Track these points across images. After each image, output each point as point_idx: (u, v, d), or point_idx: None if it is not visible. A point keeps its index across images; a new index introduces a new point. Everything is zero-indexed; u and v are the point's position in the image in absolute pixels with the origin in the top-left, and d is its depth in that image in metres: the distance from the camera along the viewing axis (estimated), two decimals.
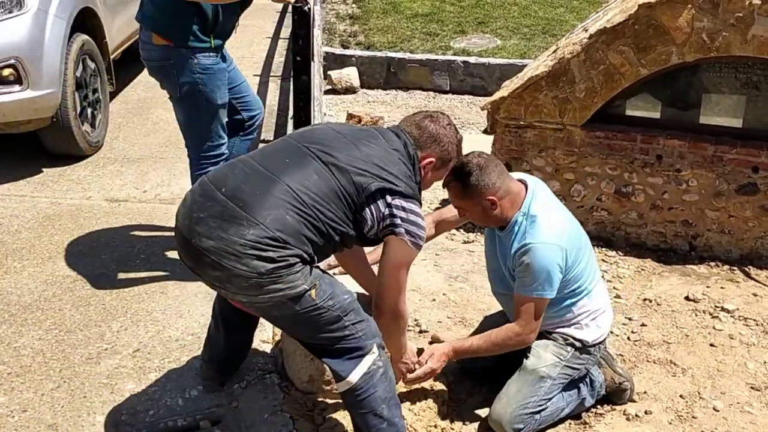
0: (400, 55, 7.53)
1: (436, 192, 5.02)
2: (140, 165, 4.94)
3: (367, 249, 2.88)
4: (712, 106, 4.14)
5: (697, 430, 2.95)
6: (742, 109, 4.09)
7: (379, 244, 2.53)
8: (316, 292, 2.31)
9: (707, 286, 3.95)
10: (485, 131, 6.12)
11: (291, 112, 4.77)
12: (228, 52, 3.57)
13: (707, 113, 4.15)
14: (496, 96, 4.41)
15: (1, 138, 4.84)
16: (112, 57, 5.53)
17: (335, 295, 2.38)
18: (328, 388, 2.87)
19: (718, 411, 3.04)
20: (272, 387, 2.88)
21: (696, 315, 3.71)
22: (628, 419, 3.00)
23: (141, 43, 3.39)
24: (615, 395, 3.07)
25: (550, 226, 2.72)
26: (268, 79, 6.88)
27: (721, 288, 3.94)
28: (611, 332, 3.31)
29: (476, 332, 3.22)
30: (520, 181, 2.85)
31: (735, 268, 4.15)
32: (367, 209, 2.39)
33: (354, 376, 2.40)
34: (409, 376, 2.78)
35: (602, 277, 3.32)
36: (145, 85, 6.52)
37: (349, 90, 7.25)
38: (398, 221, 2.40)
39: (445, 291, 3.88)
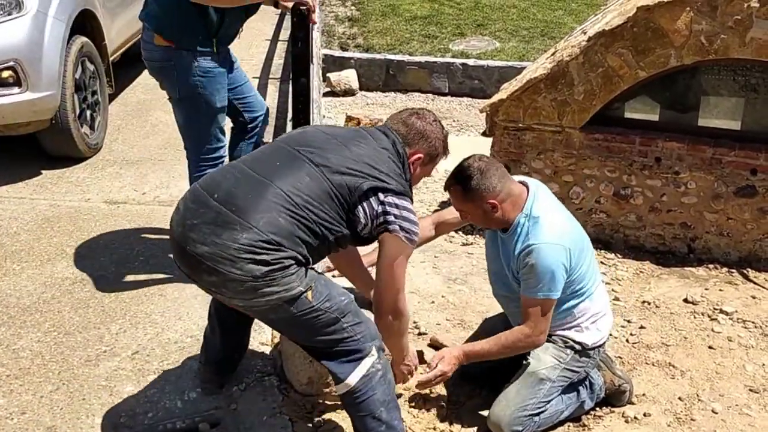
0: (398, 57, 7.53)
1: (435, 195, 5.02)
2: (139, 167, 4.94)
3: (362, 251, 2.89)
4: (710, 108, 4.15)
5: None
6: (741, 111, 4.10)
7: (373, 243, 2.54)
8: (312, 293, 2.32)
9: (706, 289, 3.96)
10: (484, 133, 6.14)
11: (290, 115, 4.77)
12: (233, 53, 3.57)
13: (706, 116, 4.16)
14: (495, 98, 4.41)
15: (0, 140, 4.84)
16: (111, 59, 5.53)
17: (332, 296, 2.38)
18: (327, 390, 2.87)
19: (716, 413, 3.04)
20: (271, 389, 2.88)
21: (694, 317, 3.71)
22: (626, 421, 3.00)
23: (143, 42, 3.38)
24: (614, 397, 3.07)
25: (552, 226, 2.73)
26: (267, 82, 6.88)
27: (720, 290, 3.94)
28: (610, 334, 3.31)
29: (476, 334, 3.23)
30: (522, 183, 2.86)
31: (733, 270, 4.15)
32: (359, 208, 2.40)
33: (353, 379, 2.40)
34: (420, 379, 2.78)
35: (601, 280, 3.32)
36: (144, 87, 6.52)
37: (348, 92, 7.26)
38: (391, 218, 2.42)
39: (443, 293, 3.88)
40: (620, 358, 3.39)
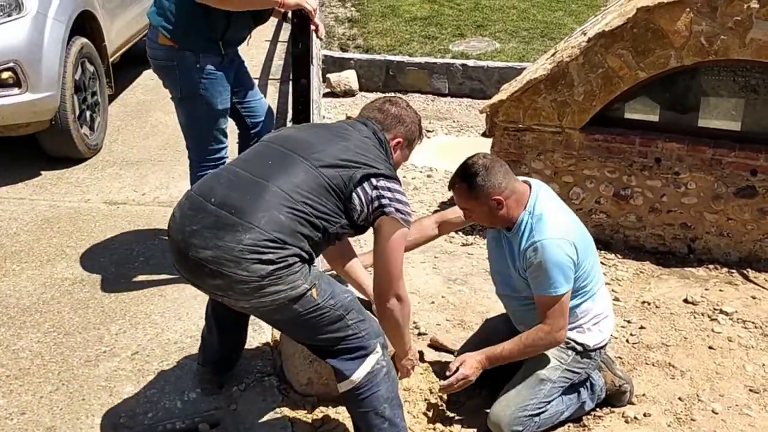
0: (398, 58, 7.53)
1: (435, 195, 5.02)
2: (139, 168, 4.94)
3: (359, 251, 2.89)
4: (710, 109, 4.15)
5: None
6: (741, 112, 4.10)
7: (367, 231, 2.57)
8: (317, 291, 2.33)
9: (706, 289, 3.96)
10: (484, 134, 6.14)
11: (290, 116, 4.77)
12: (241, 56, 3.57)
13: (706, 116, 4.16)
14: (495, 99, 4.41)
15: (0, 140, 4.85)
16: (111, 60, 5.53)
17: (336, 294, 2.40)
18: (327, 390, 2.87)
19: (716, 413, 3.04)
20: (271, 390, 2.88)
21: (695, 318, 3.71)
22: (626, 422, 3.00)
23: (147, 40, 3.39)
24: (614, 398, 3.07)
25: (556, 223, 2.74)
26: (267, 82, 6.88)
27: (720, 291, 3.94)
28: (611, 335, 3.31)
29: (476, 335, 3.23)
30: (524, 182, 2.86)
31: (734, 270, 4.15)
32: (355, 196, 2.43)
33: (357, 375, 2.41)
34: (443, 383, 2.77)
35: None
36: (143, 88, 6.52)
37: (348, 93, 7.26)
38: (386, 201, 2.46)
39: (444, 293, 3.88)
40: (620, 358, 3.39)
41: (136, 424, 2.71)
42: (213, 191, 2.38)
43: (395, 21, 8.72)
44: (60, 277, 3.62)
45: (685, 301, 3.84)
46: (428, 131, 6.41)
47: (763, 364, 3.35)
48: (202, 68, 3.28)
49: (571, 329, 2.87)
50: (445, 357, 3.33)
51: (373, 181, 2.46)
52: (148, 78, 6.71)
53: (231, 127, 3.60)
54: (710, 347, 3.47)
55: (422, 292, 3.86)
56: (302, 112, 3.45)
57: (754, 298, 3.87)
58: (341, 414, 2.80)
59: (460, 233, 4.46)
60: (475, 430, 2.92)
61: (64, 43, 4.61)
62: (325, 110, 6.44)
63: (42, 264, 3.73)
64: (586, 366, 2.92)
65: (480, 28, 8.54)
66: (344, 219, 2.44)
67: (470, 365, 2.78)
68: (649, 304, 3.83)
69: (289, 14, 3.41)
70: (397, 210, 2.47)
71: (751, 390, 3.19)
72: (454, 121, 6.71)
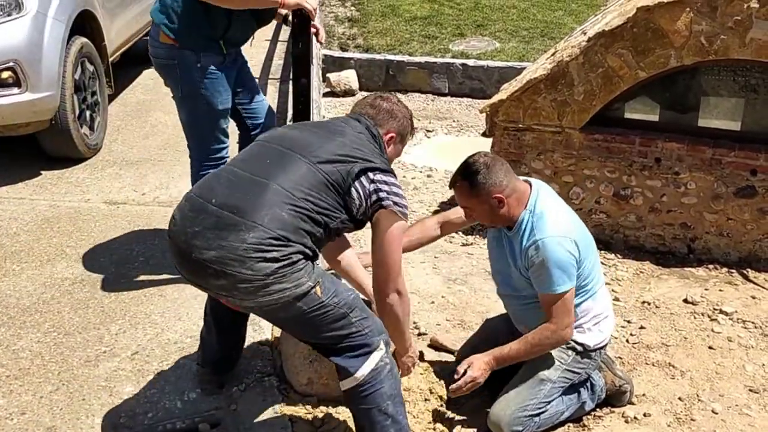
0: (398, 57, 7.53)
1: (435, 195, 5.02)
2: (139, 168, 4.94)
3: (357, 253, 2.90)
4: (710, 109, 4.15)
5: None
6: (741, 112, 4.10)
7: (365, 226, 2.58)
8: (320, 289, 2.34)
9: (706, 289, 3.96)
10: (484, 134, 6.14)
11: (290, 115, 4.77)
12: (245, 57, 3.57)
13: (706, 116, 4.16)
14: (495, 99, 4.41)
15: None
16: (110, 60, 5.53)
17: (339, 292, 2.41)
18: (327, 390, 2.87)
19: (716, 413, 3.04)
20: (271, 390, 2.89)
21: (694, 317, 3.71)
22: (626, 422, 3.00)
23: (149, 38, 3.40)
24: (614, 398, 3.07)
25: (557, 221, 2.74)
26: (267, 82, 6.88)
27: (720, 291, 3.94)
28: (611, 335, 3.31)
29: (476, 335, 3.23)
30: (525, 181, 2.87)
31: (733, 270, 4.15)
32: (353, 190, 2.45)
33: (361, 372, 2.42)
34: (452, 386, 2.77)
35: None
36: (143, 87, 6.52)
37: (348, 93, 7.25)
38: (384, 194, 2.49)
39: (443, 293, 3.88)
40: (620, 358, 3.39)
41: (136, 424, 2.71)
42: (213, 192, 2.38)
43: (395, 20, 8.71)
44: (60, 277, 3.62)
45: (685, 301, 3.84)
46: (428, 131, 6.42)
47: (763, 364, 3.35)
48: (203, 67, 3.28)
49: None
50: (445, 357, 3.33)
51: (370, 174, 2.48)
52: (148, 78, 6.71)
53: (232, 127, 3.60)
54: (710, 347, 3.47)
55: (422, 292, 3.86)
56: (302, 112, 3.45)
57: (753, 298, 3.87)
58: (341, 414, 2.80)
59: (460, 233, 4.46)
60: (475, 430, 2.92)
61: (64, 43, 4.61)
62: (325, 110, 6.44)
63: (42, 264, 3.73)
64: (587, 366, 2.92)
65: (480, 28, 8.53)
66: (344, 214, 2.46)
67: (478, 367, 2.76)
68: (649, 304, 3.83)
69: (290, 17, 3.41)
70: (395, 203, 2.50)
71: (751, 390, 3.19)
72: (454, 121, 6.71)
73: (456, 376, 2.76)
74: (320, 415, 2.81)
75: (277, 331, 3.19)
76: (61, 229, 4.10)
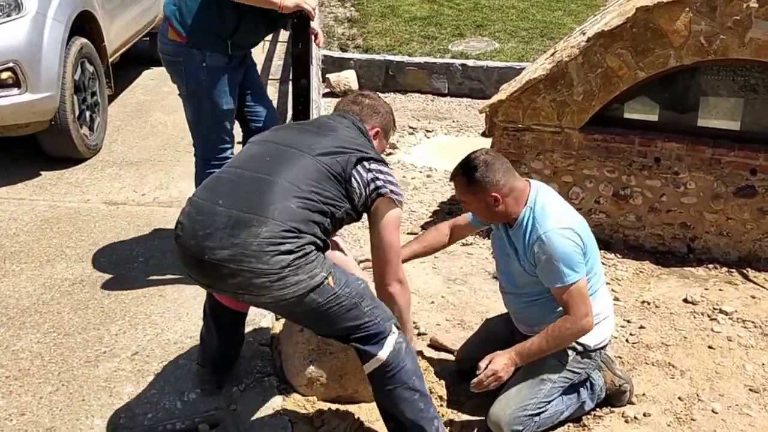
0: (398, 58, 7.53)
1: (434, 195, 5.02)
2: (138, 168, 4.94)
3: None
4: (710, 108, 4.15)
5: None
6: (740, 111, 4.10)
7: (362, 216, 2.62)
8: (333, 279, 2.37)
9: (705, 289, 3.96)
10: (483, 134, 6.14)
11: (290, 115, 4.77)
12: (254, 59, 3.57)
13: (705, 116, 4.16)
14: (495, 99, 4.41)
15: None
16: (110, 60, 5.53)
17: (350, 282, 2.44)
18: (327, 390, 2.87)
19: (716, 413, 3.04)
20: (271, 390, 2.89)
21: (694, 317, 3.71)
22: (626, 421, 3.00)
23: (159, 34, 3.41)
24: (614, 397, 3.07)
25: (558, 214, 2.75)
26: (267, 82, 6.88)
27: (720, 290, 3.94)
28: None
29: (476, 335, 3.23)
30: (525, 180, 2.87)
31: (733, 270, 4.15)
32: (353, 179, 2.50)
33: (383, 353, 2.44)
34: (473, 380, 2.77)
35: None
36: (143, 88, 6.52)
37: (348, 93, 7.25)
38: (381, 183, 2.54)
39: (443, 293, 3.88)
40: (620, 358, 3.39)
41: (135, 424, 2.71)
42: (219, 194, 2.40)
43: (395, 21, 8.72)
44: (60, 278, 3.62)
45: (685, 300, 3.84)
46: (428, 131, 6.42)
47: (763, 364, 3.35)
48: (209, 67, 3.28)
49: None
50: (445, 357, 3.33)
51: (366, 164, 2.54)
52: (148, 78, 6.72)
53: (236, 129, 3.59)
54: (710, 347, 3.47)
55: (422, 292, 3.86)
56: (302, 112, 3.45)
57: (753, 297, 3.87)
58: (341, 414, 2.81)
59: None
60: (476, 430, 2.92)
61: (64, 44, 4.61)
62: (324, 110, 6.44)
63: (42, 264, 3.73)
64: (587, 366, 2.92)
65: (479, 28, 8.54)
66: (347, 203, 2.50)
67: (499, 363, 2.74)
68: (648, 303, 3.83)
69: (289, 24, 3.42)
70: (392, 191, 2.55)
71: (750, 389, 3.19)
72: (453, 121, 6.71)
73: (478, 372, 2.75)
74: (320, 416, 2.80)
75: (277, 332, 3.19)
76: (61, 229, 4.10)
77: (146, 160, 5.07)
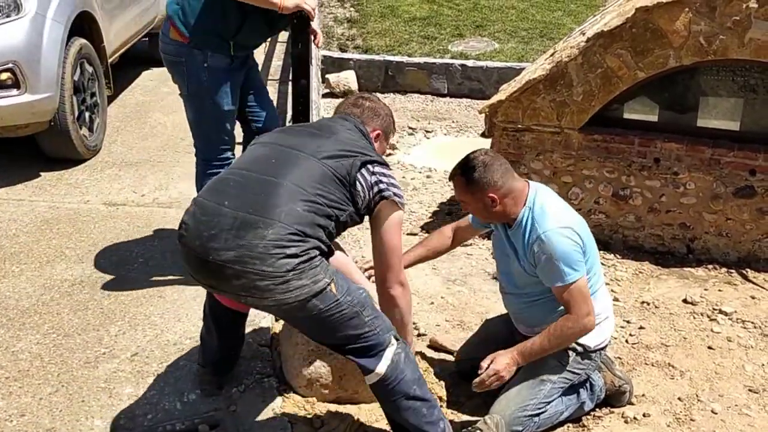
0: (398, 58, 7.53)
1: (434, 195, 5.02)
2: (138, 169, 4.94)
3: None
4: (709, 109, 4.15)
5: None
6: (740, 112, 4.10)
7: (364, 219, 2.62)
8: (335, 286, 2.37)
9: (705, 289, 3.96)
10: (483, 134, 6.14)
11: (289, 116, 4.77)
12: (256, 60, 3.57)
13: (705, 116, 4.16)
14: (494, 99, 4.41)
15: None
16: (110, 61, 5.53)
17: (351, 290, 2.43)
18: (326, 391, 2.87)
19: (716, 413, 3.04)
20: (270, 391, 2.89)
21: (694, 318, 3.71)
22: (626, 422, 3.00)
23: (160, 33, 3.40)
24: (614, 398, 3.07)
25: (557, 213, 2.76)
26: (266, 83, 6.88)
27: (719, 291, 3.94)
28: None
29: (476, 335, 3.23)
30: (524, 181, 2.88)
31: (733, 270, 4.15)
32: (357, 182, 2.50)
33: (381, 368, 2.45)
34: (475, 380, 2.77)
35: None
36: (143, 88, 6.52)
37: (347, 93, 7.25)
38: (384, 186, 2.54)
39: (443, 294, 3.88)
40: (620, 358, 3.39)
41: (135, 425, 2.71)
42: (224, 195, 2.40)
43: (394, 21, 8.72)
44: (59, 279, 3.62)
45: (685, 301, 3.84)
46: (427, 132, 6.42)
47: (763, 364, 3.35)
48: (210, 68, 3.27)
49: None
50: (444, 357, 3.33)
51: (369, 167, 2.54)
52: (147, 79, 6.72)
53: (238, 130, 3.59)
54: (709, 347, 3.47)
55: (421, 293, 3.86)
56: (302, 113, 3.45)
57: (753, 298, 3.88)
58: (341, 415, 2.81)
59: None
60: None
61: (63, 44, 4.61)
62: (324, 111, 6.44)
63: (41, 265, 3.73)
64: (587, 367, 2.92)
65: (479, 29, 8.54)
66: (351, 207, 2.50)
67: (501, 362, 2.74)
68: (648, 304, 3.83)
69: (289, 24, 3.41)
70: (395, 194, 2.56)
71: (750, 390, 3.19)
72: (453, 122, 6.71)
73: (480, 371, 2.75)
74: (319, 417, 2.81)
75: (277, 332, 3.19)
76: (61, 230, 4.09)
77: (146, 161, 5.07)
